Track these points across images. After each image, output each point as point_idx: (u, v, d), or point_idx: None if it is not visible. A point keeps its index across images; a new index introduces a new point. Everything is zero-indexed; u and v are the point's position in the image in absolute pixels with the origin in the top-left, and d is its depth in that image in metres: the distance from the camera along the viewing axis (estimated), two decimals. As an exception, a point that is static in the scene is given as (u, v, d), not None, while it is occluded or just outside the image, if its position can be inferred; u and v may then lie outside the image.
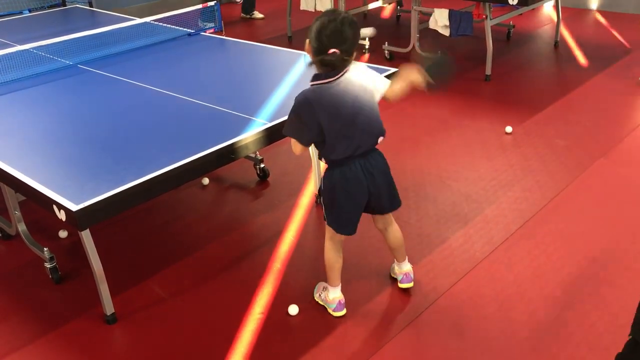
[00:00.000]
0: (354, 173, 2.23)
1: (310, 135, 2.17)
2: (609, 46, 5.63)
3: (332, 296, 2.45)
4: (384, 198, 2.35)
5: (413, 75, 2.26)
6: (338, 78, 2.14)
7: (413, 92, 2.24)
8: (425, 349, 2.29)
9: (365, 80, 2.20)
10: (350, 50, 2.12)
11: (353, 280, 2.60)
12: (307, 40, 2.15)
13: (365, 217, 2.44)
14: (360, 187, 2.26)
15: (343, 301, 2.46)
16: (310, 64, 2.18)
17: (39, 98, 3.03)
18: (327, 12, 2.13)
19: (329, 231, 2.39)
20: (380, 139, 2.25)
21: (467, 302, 2.50)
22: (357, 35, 2.13)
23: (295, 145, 2.21)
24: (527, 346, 2.26)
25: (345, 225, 2.35)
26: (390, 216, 2.47)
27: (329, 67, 2.12)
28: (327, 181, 2.29)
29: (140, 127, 2.64)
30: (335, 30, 2.07)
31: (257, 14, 7.24)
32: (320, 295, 2.52)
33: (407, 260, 2.58)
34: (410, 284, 2.54)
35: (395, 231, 2.50)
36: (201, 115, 2.70)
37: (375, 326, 2.40)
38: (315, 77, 2.16)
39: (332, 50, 2.08)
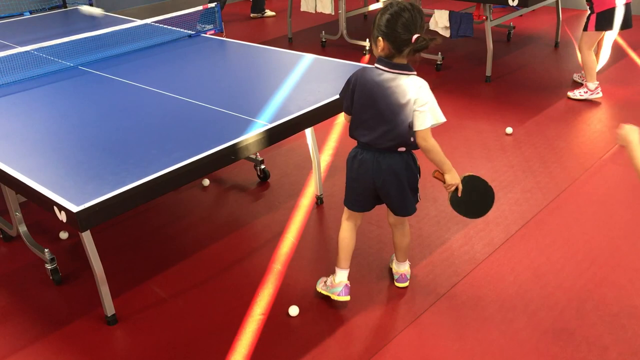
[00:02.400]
0: (363, 159, 2.28)
1: (347, 103, 2.28)
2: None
3: (338, 279, 2.47)
4: (393, 199, 2.35)
5: (450, 178, 2.25)
6: (398, 73, 2.14)
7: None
8: (426, 349, 2.29)
9: (416, 97, 2.13)
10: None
11: (353, 281, 2.60)
12: (380, 38, 2.12)
13: (364, 218, 2.44)
14: (365, 175, 2.30)
15: (349, 285, 2.48)
16: (396, 59, 2.13)
17: (39, 100, 3.04)
18: (393, 3, 2.13)
19: (345, 212, 2.45)
20: (402, 148, 2.25)
21: (467, 303, 2.50)
22: (424, 20, 2.14)
23: (344, 112, 2.35)
24: (527, 347, 2.26)
25: (348, 199, 2.42)
26: (403, 218, 2.47)
27: (419, 52, 2.12)
28: (349, 154, 2.37)
29: (141, 128, 2.64)
30: (410, 18, 2.08)
31: (269, 12, 7.29)
32: (325, 282, 2.54)
33: (406, 261, 2.61)
34: (406, 284, 2.59)
35: (403, 234, 2.53)
36: (202, 117, 2.70)
37: (376, 327, 2.40)
38: (381, 61, 2.18)
39: (416, 36, 2.08)
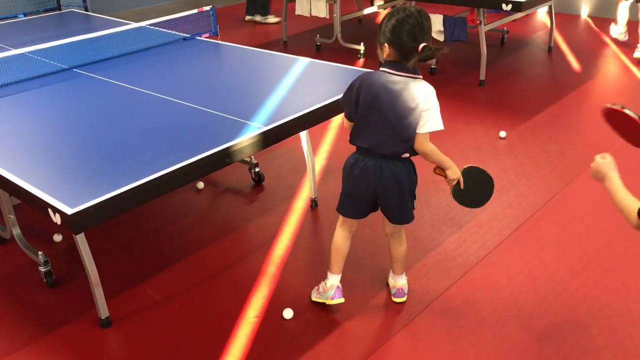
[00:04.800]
0: (365, 166, 2.25)
1: (349, 111, 2.25)
2: (601, 51, 5.67)
3: (330, 283, 2.47)
4: (392, 207, 2.34)
5: (453, 169, 2.25)
6: (404, 76, 2.13)
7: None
8: (420, 352, 2.29)
9: (423, 102, 2.14)
10: (429, 43, 2.11)
11: (347, 284, 2.61)
12: (385, 44, 2.12)
13: (359, 221, 2.45)
14: (367, 182, 2.27)
15: (341, 288, 2.47)
16: (404, 63, 2.12)
17: (34, 102, 3.03)
18: (399, 10, 2.12)
19: (340, 218, 2.44)
20: (406, 154, 2.23)
21: (461, 305, 2.51)
22: (431, 28, 2.14)
23: (344, 118, 2.30)
24: (520, 349, 2.27)
25: (343, 207, 2.40)
26: (400, 227, 2.45)
27: (426, 61, 2.13)
28: (346, 161, 2.34)
29: (135, 130, 2.64)
30: (416, 25, 2.08)
31: (272, 19, 7.04)
32: (317, 289, 2.53)
33: (404, 274, 2.56)
34: (404, 299, 2.54)
35: (400, 244, 2.49)
36: (196, 119, 2.70)
37: (370, 330, 2.41)
38: (386, 64, 2.17)
39: (422, 45, 2.08)
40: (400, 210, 2.35)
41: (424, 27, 2.09)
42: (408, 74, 2.14)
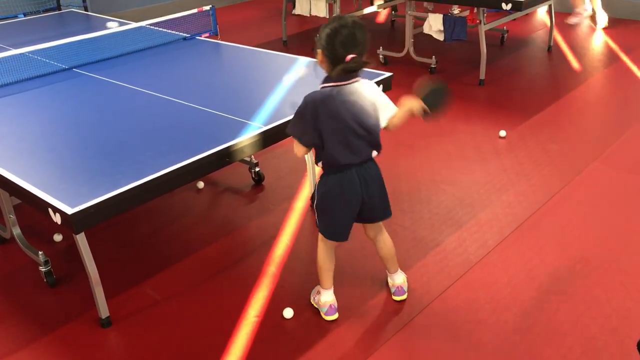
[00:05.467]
0: (350, 180, 2.24)
1: (310, 138, 2.19)
2: (601, 51, 5.66)
3: (323, 299, 2.46)
4: (377, 207, 2.35)
5: (411, 104, 2.23)
6: (349, 84, 2.14)
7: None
8: (419, 352, 2.29)
9: (376, 97, 2.20)
10: (363, 55, 2.12)
11: (347, 284, 2.61)
12: (319, 50, 2.13)
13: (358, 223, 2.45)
14: (355, 194, 2.27)
15: (335, 305, 2.46)
16: (331, 73, 2.14)
17: (34, 101, 3.04)
18: (335, 18, 2.14)
19: (321, 234, 2.41)
20: (374, 153, 2.26)
21: (460, 305, 2.51)
22: (367, 40, 2.14)
23: (297, 147, 2.22)
24: (520, 349, 2.28)
25: (336, 232, 2.36)
26: (381, 225, 2.46)
27: (350, 73, 2.13)
28: (322, 187, 2.29)
29: (135, 130, 2.65)
30: (349, 35, 2.09)
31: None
32: (314, 298, 2.53)
33: (399, 271, 2.56)
34: (404, 297, 2.54)
35: (386, 240, 2.50)
36: (196, 119, 2.70)
37: (369, 329, 2.41)
38: (327, 79, 2.16)
39: (350, 56, 2.08)
40: (383, 205, 2.39)
41: (356, 39, 2.10)
42: (350, 80, 2.15)
